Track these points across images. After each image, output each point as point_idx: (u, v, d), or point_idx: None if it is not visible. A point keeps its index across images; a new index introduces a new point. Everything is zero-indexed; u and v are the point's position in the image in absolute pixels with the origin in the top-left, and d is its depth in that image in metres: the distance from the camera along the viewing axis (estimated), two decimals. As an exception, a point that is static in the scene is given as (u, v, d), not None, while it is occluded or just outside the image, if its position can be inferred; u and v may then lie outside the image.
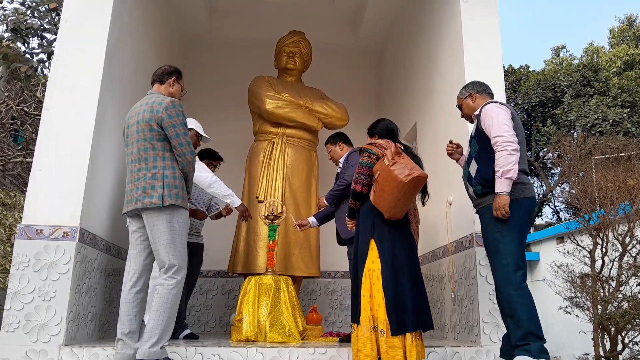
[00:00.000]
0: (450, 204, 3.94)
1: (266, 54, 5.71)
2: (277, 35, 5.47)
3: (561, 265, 4.49)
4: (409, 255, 2.95)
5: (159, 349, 2.72)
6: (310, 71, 5.61)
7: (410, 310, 2.82)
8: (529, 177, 2.98)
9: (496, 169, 2.80)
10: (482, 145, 2.94)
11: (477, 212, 3.06)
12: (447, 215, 3.95)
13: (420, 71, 4.97)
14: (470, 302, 3.53)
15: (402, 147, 3.18)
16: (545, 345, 2.73)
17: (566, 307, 4.50)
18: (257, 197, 4.76)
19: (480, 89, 3.17)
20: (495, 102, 3.00)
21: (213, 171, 4.42)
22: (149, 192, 2.81)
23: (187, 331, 4.08)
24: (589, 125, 11.26)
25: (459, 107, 3.28)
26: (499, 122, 2.83)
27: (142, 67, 4.51)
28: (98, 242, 3.55)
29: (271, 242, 4.19)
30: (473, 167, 2.98)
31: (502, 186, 2.77)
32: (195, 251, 4.33)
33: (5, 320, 3.03)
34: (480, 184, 2.93)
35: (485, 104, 2.99)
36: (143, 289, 2.90)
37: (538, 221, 13.93)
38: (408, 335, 2.78)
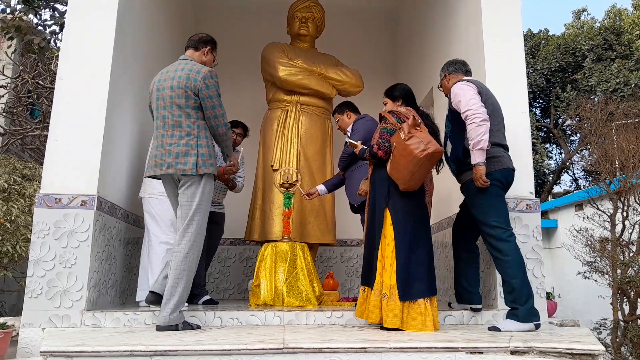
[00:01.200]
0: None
1: (278, 20, 5.61)
2: (289, 0, 5.34)
3: (580, 229, 4.43)
4: (421, 225, 2.98)
5: (178, 313, 2.81)
6: (323, 36, 5.50)
7: (423, 278, 2.88)
8: (505, 149, 3.15)
9: (469, 142, 2.96)
10: (454, 125, 3.10)
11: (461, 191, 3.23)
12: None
13: (436, 35, 4.85)
14: (487, 266, 3.50)
15: (421, 114, 3.15)
16: (534, 306, 2.91)
17: (585, 272, 4.47)
18: (272, 166, 4.76)
19: (453, 69, 3.32)
20: (462, 80, 3.12)
21: (238, 141, 4.48)
22: (182, 158, 2.88)
23: (206, 297, 4.14)
24: (610, 90, 10.95)
25: (440, 87, 3.41)
26: (466, 97, 2.99)
27: (153, 34, 4.47)
28: (116, 211, 3.57)
29: (287, 209, 4.19)
30: (448, 148, 3.16)
31: (475, 157, 2.95)
32: (217, 220, 4.35)
33: (29, 287, 3.09)
34: (455, 163, 3.13)
35: (453, 85, 3.11)
36: None
37: (556, 189, 13.75)
38: (421, 300, 2.85)
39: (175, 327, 2.78)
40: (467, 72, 3.32)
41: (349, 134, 4.10)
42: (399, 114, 3.06)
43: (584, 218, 4.84)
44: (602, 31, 12.05)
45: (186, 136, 2.92)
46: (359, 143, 3.39)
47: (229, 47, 6.26)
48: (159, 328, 2.77)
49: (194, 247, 2.87)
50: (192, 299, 4.03)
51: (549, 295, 4.09)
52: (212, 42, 3.21)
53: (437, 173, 3.56)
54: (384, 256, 2.93)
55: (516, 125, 3.53)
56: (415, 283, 2.86)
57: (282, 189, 4.28)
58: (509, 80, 3.58)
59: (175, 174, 2.91)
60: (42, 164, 3.68)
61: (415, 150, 2.81)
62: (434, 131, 3.14)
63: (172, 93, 2.95)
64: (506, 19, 3.67)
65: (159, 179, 3.13)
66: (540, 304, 3.30)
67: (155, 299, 2.96)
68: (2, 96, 7.11)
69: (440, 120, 4.52)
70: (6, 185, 3.99)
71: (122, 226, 3.70)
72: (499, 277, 3.33)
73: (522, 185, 3.48)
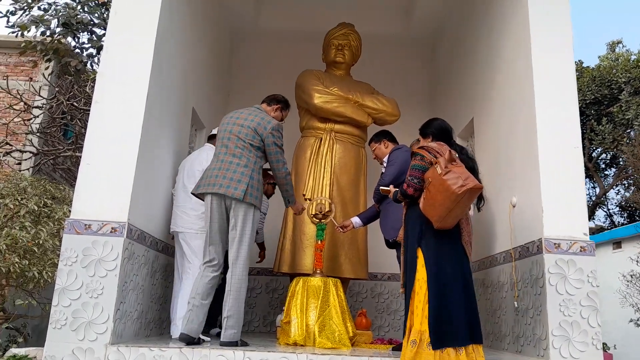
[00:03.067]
0: (514, 207, 3.66)
1: (314, 47, 5.56)
2: (325, 27, 5.29)
3: (633, 273, 4.12)
4: (458, 266, 2.83)
5: (237, 331, 3.17)
6: (358, 64, 5.42)
7: (463, 323, 2.71)
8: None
9: None
10: None
11: None
12: (510, 218, 3.67)
13: (478, 62, 4.69)
14: (537, 312, 3.24)
15: (457, 149, 3.05)
16: None
17: (638, 320, 4.14)
18: (304, 195, 4.61)
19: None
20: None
21: (270, 190, 4.71)
22: (234, 184, 3.23)
23: (218, 330, 3.93)
24: (649, 123, 10.60)
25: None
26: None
27: (190, 60, 4.46)
28: (145, 239, 3.48)
29: (319, 242, 4.03)
30: None
31: None
32: None
33: (53, 317, 2.97)
34: None
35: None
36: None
37: (589, 224, 13.25)
38: (462, 349, 2.68)
39: (236, 344, 3.12)
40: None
41: (385, 164, 3.97)
42: (429, 149, 2.96)
43: (633, 259, 4.51)
44: (639, 63, 11.74)
45: (243, 166, 3.29)
46: (390, 188, 3.31)
47: (264, 73, 6.25)
48: (223, 343, 3.11)
49: (246, 266, 3.21)
50: (205, 328, 3.86)
51: (604, 347, 3.79)
52: (283, 102, 3.69)
53: (479, 211, 3.37)
54: (416, 299, 2.79)
55: (569, 161, 3.32)
56: (450, 329, 2.68)
57: (315, 219, 4.13)
58: (561, 113, 3.39)
59: (225, 195, 3.22)
60: (73, 185, 3.66)
61: (453, 186, 2.69)
62: (471, 166, 3.02)
63: (242, 130, 3.38)
64: (557, 48, 3.50)
65: (201, 198, 3.40)
66: (595, 356, 3.03)
67: (189, 340, 3.12)
68: (37, 116, 7.19)
69: (482, 152, 4.35)
70: (36, 208, 3.92)
71: (150, 254, 3.59)
72: (551, 325, 3.07)
73: (576, 225, 3.25)
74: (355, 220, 4.06)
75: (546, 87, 3.43)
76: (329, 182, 4.62)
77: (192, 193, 3.48)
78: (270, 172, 3.76)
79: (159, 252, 3.77)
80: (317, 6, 5.95)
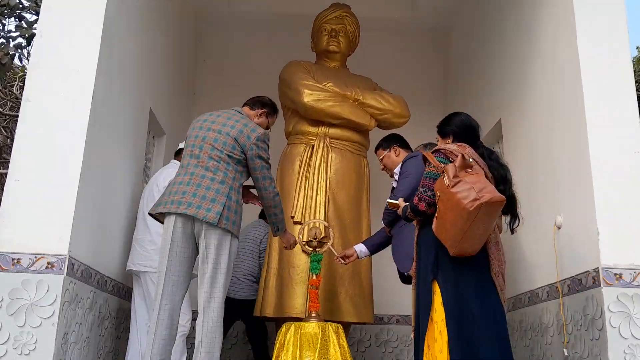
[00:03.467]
0: (559, 228, 3.60)
1: (301, 34, 5.56)
2: (314, 9, 5.28)
3: None
4: (486, 304, 2.78)
5: None
6: (355, 55, 5.42)
7: None
8: None
9: None
10: None
11: None
12: (555, 242, 3.60)
13: (505, 52, 4.69)
14: (595, 362, 3.14)
15: (484, 154, 3.01)
16: None
17: None
18: (293, 217, 4.53)
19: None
20: None
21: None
22: (207, 203, 3.10)
23: None
24: None
25: None
26: None
27: (147, 51, 4.43)
28: (92, 277, 3.38)
29: (315, 276, 3.95)
30: None
31: None
32: None
33: (-30, 382, 2.79)
34: None
35: None
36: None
37: None
38: None
39: None
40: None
41: (396, 176, 3.93)
42: (446, 152, 2.91)
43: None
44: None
45: (219, 183, 3.18)
46: (400, 201, 3.24)
47: (237, 66, 6.24)
48: None
49: (221, 311, 3.09)
50: None
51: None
52: (270, 106, 3.62)
53: (512, 233, 3.27)
54: (433, 348, 2.73)
55: (629, 169, 3.27)
56: None
57: (308, 248, 4.07)
58: (616, 113, 3.35)
59: (195, 217, 3.09)
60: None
61: (463, 201, 2.60)
62: (502, 175, 2.97)
63: (219, 137, 3.27)
64: (609, 33, 3.46)
65: (160, 221, 3.27)
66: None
67: None
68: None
69: (513, 161, 4.26)
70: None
71: (98, 297, 3.49)
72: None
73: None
74: (360, 248, 3.98)
75: (596, 80, 3.39)
76: (324, 200, 4.55)
77: (149, 213, 3.38)
78: (252, 190, 3.66)
79: (109, 293, 3.67)
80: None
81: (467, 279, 2.78)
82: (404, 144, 4.04)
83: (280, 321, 4.31)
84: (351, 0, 5.32)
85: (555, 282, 3.56)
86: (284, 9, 6.10)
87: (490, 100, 5.01)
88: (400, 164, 3.88)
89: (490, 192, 2.65)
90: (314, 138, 4.76)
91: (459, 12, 6.02)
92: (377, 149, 4.09)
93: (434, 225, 2.78)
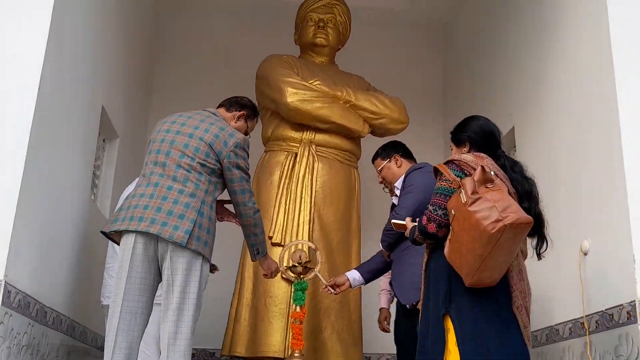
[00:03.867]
0: (586, 254, 3.60)
1: (282, 24, 5.61)
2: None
3: None
4: (507, 344, 2.76)
5: None
6: (344, 51, 5.47)
7: None
8: None
9: None
10: None
11: None
12: (581, 271, 3.59)
13: (520, 49, 4.73)
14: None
15: (506, 165, 2.99)
16: None
17: None
18: (271, 238, 4.54)
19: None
20: None
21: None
22: (174, 220, 3.02)
23: None
24: None
25: None
26: None
27: (100, 41, 4.41)
28: (30, 307, 3.27)
29: (298, 308, 3.92)
30: None
31: None
32: None
33: None
34: None
35: None
36: None
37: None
38: None
39: None
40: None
41: (397, 191, 3.89)
42: (462, 164, 2.88)
43: None
44: None
45: (188, 196, 3.10)
46: (407, 221, 3.18)
47: (203, 61, 6.26)
48: None
49: (189, 349, 3.01)
50: None
51: None
52: (249, 108, 3.58)
53: (539, 259, 3.24)
54: None
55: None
56: None
57: (292, 275, 4.03)
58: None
59: (159, 235, 3.00)
60: None
61: (483, 222, 2.57)
62: (527, 190, 2.95)
63: (190, 142, 3.20)
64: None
65: (116, 241, 3.22)
66: None
67: None
68: None
69: (538, 174, 4.26)
70: None
71: (37, 331, 3.38)
72: None
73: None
74: (354, 275, 3.92)
75: (631, 84, 3.40)
76: (308, 218, 4.60)
77: (102, 232, 3.31)
78: (228, 205, 3.64)
79: (50, 327, 3.56)
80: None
81: (485, 314, 2.76)
82: (407, 154, 4.01)
83: (254, 362, 4.29)
84: (339, -12, 5.42)
85: (581, 317, 3.54)
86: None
87: (500, 106, 5.03)
88: (402, 177, 3.85)
89: (515, 211, 2.62)
90: (298, 145, 4.78)
91: (463, 3, 6.10)
92: (374, 158, 4.06)
93: (446, 250, 2.75)
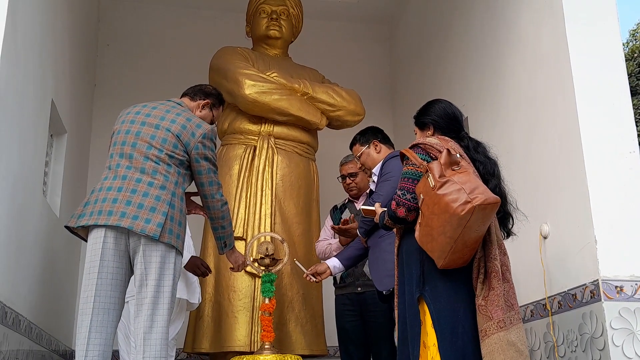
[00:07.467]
0: (546, 238, 3.70)
1: (232, 16, 5.62)
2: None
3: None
4: None
5: None
6: (291, 44, 5.48)
7: None
8: None
9: None
10: None
11: None
12: (542, 255, 3.69)
13: (472, 41, 4.79)
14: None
15: (470, 146, 3.03)
16: None
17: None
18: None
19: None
20: None
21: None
22: (145, 213, 2.99)
23: None
24: None
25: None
26: None
27: (48, 28, 4.31)
28: (7, 315, 3.24)
29: (267, 300, 3.90)
30: None
31: None
32: None
33: None
34: None
35: None
36: None
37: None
38: None
39: None
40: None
41: (374, 177, 3.84)
42: (427, 147, 2.90)
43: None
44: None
45: (159, 188, 3.08)
46: (376, 207, 3.19)
47: (150, 54, 6.16)
48: None
49: (165, 343, 3.00)
50: None
51: None
52: (214, 96, 3.55)
53: (506, 237, 3.30)
54: None
55: (625, 171, 3.40)
56: None
57: (261, 268, 3.98)
58: (610, 108, 3.48)
59: (130, 229, 2.98)
60: None
61: (453, 204, 2.59)
62: (491, 171, 3.00)
63: (157, 133, 3.17)
64: (599, 17, 3.59)
65: (82, 237, 3.19)
66: None
67: None
68: None
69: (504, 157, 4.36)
70: None
71: (12, 339, 3.31)
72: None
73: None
74: (334, 263, 3.87)
75: (589, 71, 3.51)
76: (270, 211, 4.58)
77: (66, 226, 3.23)
78: (195, 198, 3.58)
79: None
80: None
81: (459, 294, 2.77)
82: (385, 139, 3.96)
83: (218, 357, 4.26)
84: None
85: (543, 299, 3.64)
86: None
87: (452, 98, 4.92)
88: (380, 163, 3.81)
89: (483, 192, 2.64)
90: (256, 138, 4.77)
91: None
92: (353, 144, 3.99)
93: (417, 234, 2.77)
